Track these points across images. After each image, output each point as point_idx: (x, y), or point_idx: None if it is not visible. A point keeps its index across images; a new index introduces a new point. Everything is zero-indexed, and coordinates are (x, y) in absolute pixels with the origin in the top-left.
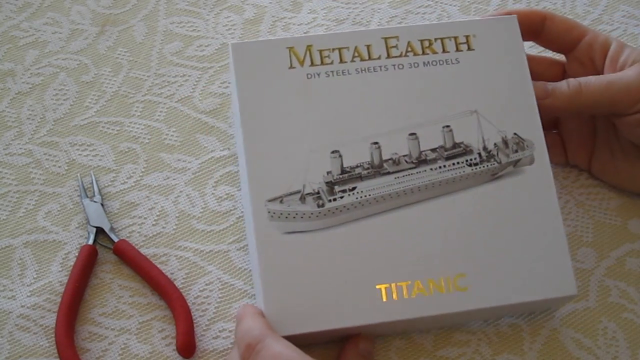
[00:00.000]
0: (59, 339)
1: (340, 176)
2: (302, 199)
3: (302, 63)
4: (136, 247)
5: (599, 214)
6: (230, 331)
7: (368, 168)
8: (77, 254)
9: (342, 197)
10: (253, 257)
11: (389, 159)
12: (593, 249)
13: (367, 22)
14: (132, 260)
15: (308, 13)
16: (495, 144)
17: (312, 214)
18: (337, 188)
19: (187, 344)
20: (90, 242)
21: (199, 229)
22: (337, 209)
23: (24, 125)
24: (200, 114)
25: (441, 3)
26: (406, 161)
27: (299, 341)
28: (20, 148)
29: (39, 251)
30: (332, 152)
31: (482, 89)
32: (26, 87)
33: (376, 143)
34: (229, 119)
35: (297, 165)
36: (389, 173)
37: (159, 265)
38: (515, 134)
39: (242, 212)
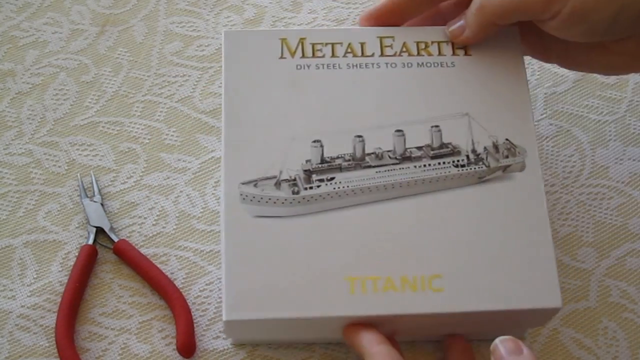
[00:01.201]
0: (59, 339)
1: (320, 165)
2: (278, 184)
3: (293, 54)
4: (136, 247)
5: (599, 214)
6: None
7: (349, 160)
8: (77, 254)
9: (319, 186)
10: (222, 238)
11: (372, 153)
12: (593, 249)
13: None
14: (132, 260)
15: (308, 13)
16: (485, 147)
17: (285, 199)
18: (314, 177)
19: (187, 344)
20: (90, 242)
21: (199, 229)
22: (312, 197)
23: (24, 125)
24: (200, 114)
25: None
26: (389, 157)
27: (261, 334)
28: (20, 148)
29: (39, 251)
30: (314, 141)
31: (476, 93)
32: (26, 87)
33: (360, 136)
34: None
35: (276, 152)
36: (370, 167)
37: (159, 265)
38: (507, 139)
39: None
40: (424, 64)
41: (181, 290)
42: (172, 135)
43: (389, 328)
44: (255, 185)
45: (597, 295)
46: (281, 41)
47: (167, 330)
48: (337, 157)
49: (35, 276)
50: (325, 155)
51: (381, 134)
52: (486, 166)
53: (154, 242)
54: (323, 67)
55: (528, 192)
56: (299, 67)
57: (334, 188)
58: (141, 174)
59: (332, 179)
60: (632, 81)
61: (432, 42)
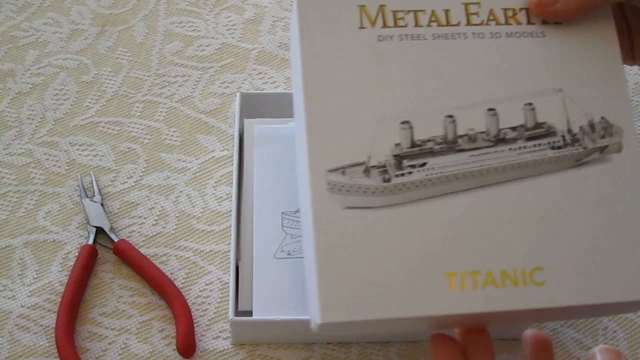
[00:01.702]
0: (59, 339)
1: (410, 150)
2: (367, 171)
3: (373, 23)
4: (136, 247)
5: None
6: (229, 332)
7: (441, 143)
8: (77, 254)
9: (410, 173)
10: (306, 232)
11: (464, 135)
12: None
13: None
14: (132, 260)
15: None
16: (580, 127)
17: (376, 188)
18: (405, 162)
19: (187, 344)
20: (90, 242)
21: (199, 229)
22: (404, 185)
23: (24, 125)
24: (200, 114)
25: None
26: (483, 139)
27: (354, 330)
28: (20, 148)
29: (39, 251)
30: (402, 122)
31: (568, 67)
32: (26, 87)
33: (451, 116)
34: (229, 119)
35: (362, 135)
36: (463, 150)
37: (159, 265)
38: (602, 117)
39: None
40: (513, 33)
41: (181, 290)
42: (172, 135)
43: (482, 320)
44: (342, 173)
45: None
46: (359, 8)
47: (167, 330)
48: (428, 140)
49: (35, 276)
50: (415, 137)
51: (472, 113)
52: (583, 148)
53: (154, 242)
54: (407, 38)
55: (627, 174)
56: (380, 38)
57: (427, 175)
58: (141, 174)
59: (424, 164)
60: (632, 81)
61: (520, 9)
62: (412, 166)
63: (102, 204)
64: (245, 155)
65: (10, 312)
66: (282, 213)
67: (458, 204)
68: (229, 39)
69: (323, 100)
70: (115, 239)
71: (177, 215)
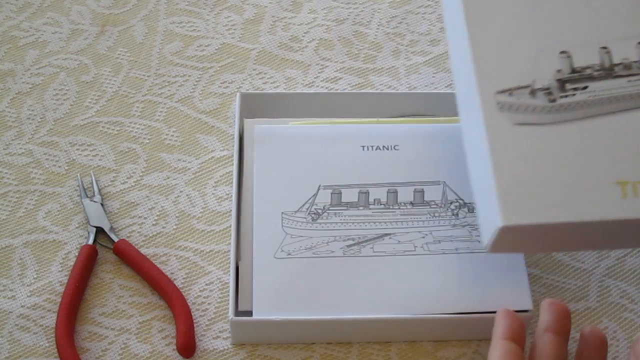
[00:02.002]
0: (59, 339)
1: (571, 75)
2: (532, 93)
3: None
4: (136, 247)
5: None
6: (229, 332)
7: (599, 70)
8: (77, 254)
9: (574, 95)
10: (478, 148)
11: (620, 64)
12: None
13: (368, 22)
14: (132, 260)
15: (308, 13)
16: None
17: (543, 108)
18: (568, 85)
19: (187, 344)
20: (90, 242)
21: (199, 229)
22: (569, 105)
23: (24, 125)
24: (200, 114)
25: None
26: (638, 67)
27: (525, 244)
28: (20, 148)
29: (39, 251)
30: (561, 52)
31: None
32: (26, 87)
33: (605, 47)
34: (229, 119)
35: (524, 62)
36: (620, 76)
37: (159, 265)
38: None
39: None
40: None
41: (181, 290)
42: (172, 135)
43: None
44: (510, 94)
45: (597, 295)
46: None
47: (167, 330)
48: (587, 67)
49: (35, 276)
50: (574, 65)
51: (623, 46)
52: None
53: (154, 242)
54: None
55: None
56: None
57: (589, 96)
58: (141, 174)
59: (586, 87)
60: None
61: None
62: (575, 89)
63: (102, 204)
64: (245, 155)
65: (10, 312)
66: (282, 213)
67: (621, 121)
68: (229, 39)
69: (485, 31)
70: (115, 239)
71: (177, 215)
